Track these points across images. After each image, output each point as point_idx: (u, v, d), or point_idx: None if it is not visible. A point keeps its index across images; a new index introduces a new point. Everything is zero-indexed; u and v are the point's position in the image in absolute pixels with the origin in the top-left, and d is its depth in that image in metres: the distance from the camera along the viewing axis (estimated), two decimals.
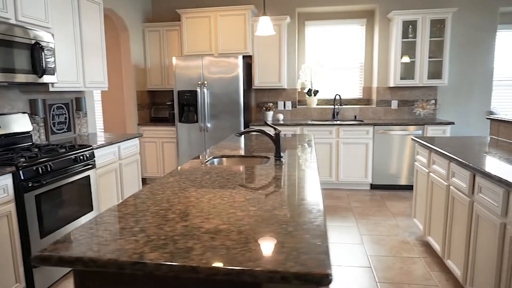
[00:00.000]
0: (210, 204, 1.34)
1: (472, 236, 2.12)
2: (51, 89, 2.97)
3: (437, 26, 4.71)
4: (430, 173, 2.81)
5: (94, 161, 2.98)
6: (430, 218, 2.85)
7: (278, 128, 4.81)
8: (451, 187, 2.42)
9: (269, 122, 4.93)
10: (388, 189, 4.78)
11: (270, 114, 5.23)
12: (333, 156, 4.74)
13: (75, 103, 3.71)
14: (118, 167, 3.43)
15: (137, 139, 3.77)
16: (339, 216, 3.84)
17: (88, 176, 2.90)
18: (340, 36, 5.37)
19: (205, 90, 4.71)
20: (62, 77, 3.09)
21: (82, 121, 3.84)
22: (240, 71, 4.60)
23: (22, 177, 2.24)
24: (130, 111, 5.15)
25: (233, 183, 1.65)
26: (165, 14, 5.59)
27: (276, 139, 2.23)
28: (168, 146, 5.11)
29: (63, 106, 3.54)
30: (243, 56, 4.87)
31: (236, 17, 4.89)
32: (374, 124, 4.63)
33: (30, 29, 2.64)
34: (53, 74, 2.87)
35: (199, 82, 4.70)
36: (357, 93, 5.44)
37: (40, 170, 2.38)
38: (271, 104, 5.35)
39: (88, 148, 2.89)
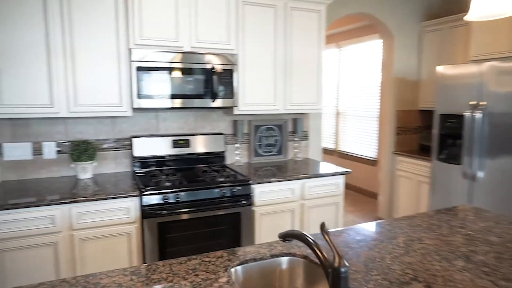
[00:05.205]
0: None
1: None
2: (235, 112, 2.84)
3: None
4: None
5: (251, 197, 2.57)
6: None
7: None
8: None
9: None
10: None
11: None
12: None
13: (290, 125, 3.41)
14: (298, 208, 2.81)
15: (340, 177, 2.93)
16: None
17: (239, 213, 2.55)
18: None
19: (480, 116, 2.92)
20: (249, 100, 2.88)
21: (298, 145, 3.47)
22: None
23: (143, 204, 2.26)
24: (385, 135, 4.17)
25: None
26: (453, 6, 3.99)
27: (333, 277, 0.90)
28: (424, 188, 3.70)
29: (274, 127, 3.33)
30: None
31: None
32: None
33: (204, 53, 2.59)
34: (231, 98, 2.71)
35: (471, 103, 2.98)
36: None
37: (167, 199, 2.31)
38: None
39: (241, 183, 2.53)
